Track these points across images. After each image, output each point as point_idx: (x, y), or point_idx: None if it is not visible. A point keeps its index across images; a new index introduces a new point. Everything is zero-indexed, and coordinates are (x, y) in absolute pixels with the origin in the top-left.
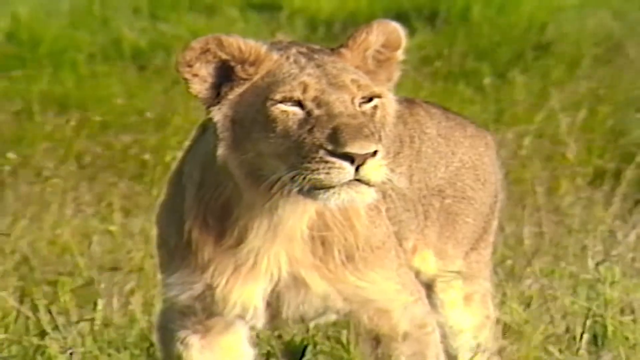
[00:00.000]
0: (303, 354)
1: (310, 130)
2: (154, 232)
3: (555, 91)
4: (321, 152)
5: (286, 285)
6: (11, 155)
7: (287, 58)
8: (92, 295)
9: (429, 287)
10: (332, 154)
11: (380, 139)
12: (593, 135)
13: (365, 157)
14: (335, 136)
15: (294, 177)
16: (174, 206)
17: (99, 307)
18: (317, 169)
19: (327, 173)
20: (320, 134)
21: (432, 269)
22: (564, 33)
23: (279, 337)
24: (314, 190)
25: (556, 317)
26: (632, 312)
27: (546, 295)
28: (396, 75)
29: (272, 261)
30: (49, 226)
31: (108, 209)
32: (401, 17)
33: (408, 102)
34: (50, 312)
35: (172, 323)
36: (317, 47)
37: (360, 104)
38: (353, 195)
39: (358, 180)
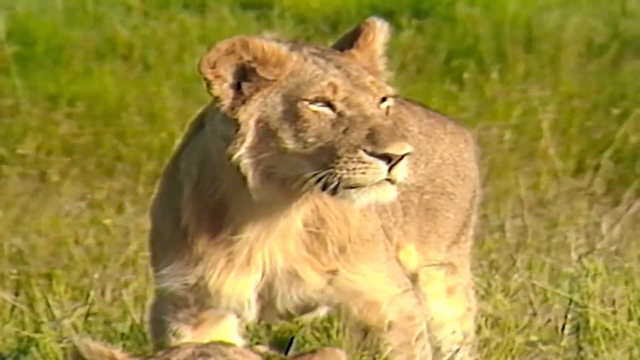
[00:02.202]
0: (290, 345)
1: (346, 131)
2: (147, 225)
3: (536, 88)
4: (360, 153)
5: (279, 278)
6: (4, 150)
7: (305, 59)
8: (85, 287)
9: (412, 280)
10: (372, 154)
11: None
12: (573, 130)
13: (400, 158)
14: (374, 137)
15: (323, 176)
16: (169, 201)
17: (92, 299)
18: (354, 169)
19: (363, 173)
20: (358, 135)
21: (415, 263)
22: (546, 31)
23: (267, 327)
24: (344, 189)
25: (539, 309)
26: (613, 304)
27: (529, 287)
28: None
29: (266, 256)
30: (43, 220)
31: (101, 203)
32: (387, 15)
33: None
34: (45, 304)
35: (164, 315)
36: (323, 47)
37: (378, 105)
38: (380, 193)
39: (387, 179)
